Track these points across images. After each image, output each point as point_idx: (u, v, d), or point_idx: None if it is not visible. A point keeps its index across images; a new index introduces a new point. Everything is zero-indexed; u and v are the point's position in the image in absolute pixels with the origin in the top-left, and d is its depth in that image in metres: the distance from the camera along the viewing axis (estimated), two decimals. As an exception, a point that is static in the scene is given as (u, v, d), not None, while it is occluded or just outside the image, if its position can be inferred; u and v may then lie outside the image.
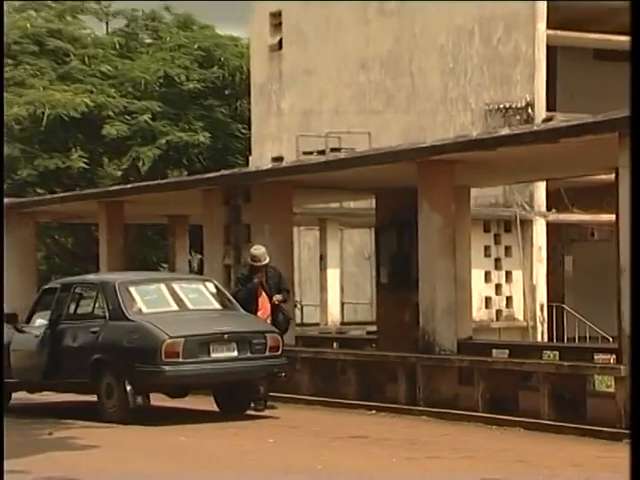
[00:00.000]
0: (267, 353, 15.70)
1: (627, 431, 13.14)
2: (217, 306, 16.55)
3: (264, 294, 16.43)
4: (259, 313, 16.36)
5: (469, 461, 11.70)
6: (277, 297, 16.44)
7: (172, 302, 16.20)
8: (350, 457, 12.24)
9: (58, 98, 38.94)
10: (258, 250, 16.75)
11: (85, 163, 38.77)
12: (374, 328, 22.42)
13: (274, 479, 11.04)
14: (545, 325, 29.43)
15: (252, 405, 15.94)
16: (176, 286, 16.70)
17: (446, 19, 32.84)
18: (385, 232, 21.11)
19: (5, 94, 39.80)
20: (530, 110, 30.16)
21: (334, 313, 28.63)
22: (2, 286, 19.31)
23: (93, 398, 15.91)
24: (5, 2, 42.66)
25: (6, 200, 27.55)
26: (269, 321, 16.37)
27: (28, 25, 42.86)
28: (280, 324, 16.37)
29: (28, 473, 11.35)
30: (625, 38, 31.64)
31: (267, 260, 16.59)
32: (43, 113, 38.50)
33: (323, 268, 30.35)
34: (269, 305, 16.48)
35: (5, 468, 11.64)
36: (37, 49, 42.01)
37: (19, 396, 17.66)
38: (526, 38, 30.74)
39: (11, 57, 41.46)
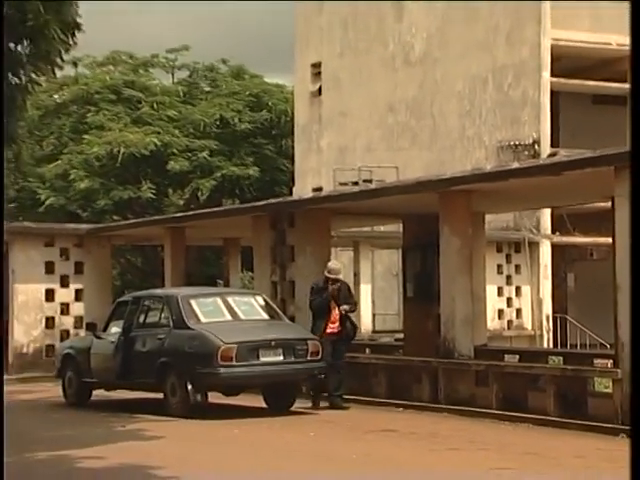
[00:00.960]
0: (308, 357, 15.72)
1: (623, 427, 13.17)
2: (265, 316, 16.63)
3: (335, 305, 16.12)
4: (331, 320, 16.07)
5: (484, 453, 11.72)
6: (344, 307, 16.10)
7: (226, 313, 16.26)
8: (380, 448, 12.27)
9: (131, 139, 39.27)
10: (336, 265, 17.07)
11: (153, 194, 38.96)
12: (401, 336, 22.37)
13: (316, 466, 11.07)
14: (550, 334, 29.29)
15: (329, 401, 15.97)
16: (230, 299, 16.77)
17: (463, 68, 32.84)
18: (411, 253, 21.07)
19: (87, 136, 40.21)
20: (536, 147, 30.08)
21: (366, 323, 28.54)
22: (2, 290, 18.92)
23: (159, 396, 15.96)
24: (87, 57, 43.18)
25: (86, 225, 27.88)
26: (338, 328, 16.13)
27: (107, 78, 43.32)
28: (349, 331, 16.26)
29: (104, 459, 11.49)
30: (619, 85, 31.69)
31: (341, 275, 16.68)
32: (119, 151, 38.80)
33: (357, 284, 30.32)
34: (339, 314, 16.19)
35: (82, 455, 11.82)
36: (115, 98, 42.33)
37: (98, 393, 17.78)
38: (533, 84, 30.70)
39: (93, 104, 41.89)
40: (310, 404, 16.27)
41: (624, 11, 33.36)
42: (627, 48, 29.50)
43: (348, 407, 15.73)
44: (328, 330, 15.90)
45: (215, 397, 16.00)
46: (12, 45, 8.58)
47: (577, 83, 31.16)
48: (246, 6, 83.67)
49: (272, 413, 15.63)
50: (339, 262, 17.20)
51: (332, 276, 16.27)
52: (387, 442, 12.69)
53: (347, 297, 16.47)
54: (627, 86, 31.62)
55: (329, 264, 16.96)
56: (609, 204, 14.06)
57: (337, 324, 16.11)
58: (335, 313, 16.07)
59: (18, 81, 9.42)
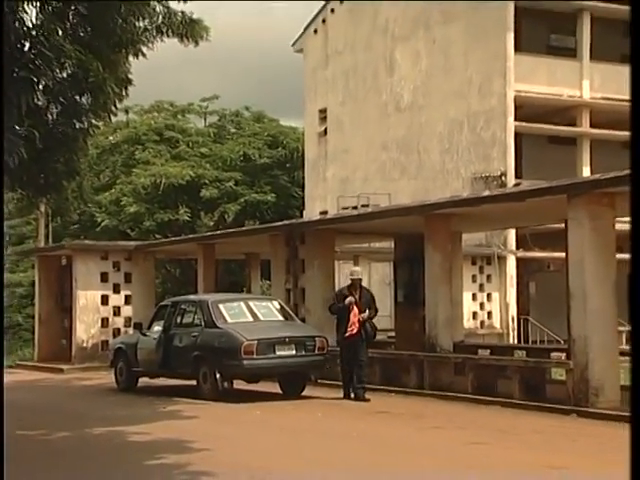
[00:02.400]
0: (316, 352, 15.72)
1: (574, 407, 13.16)
2: (280, 318, 16.58)
3: (356, 309, 14.96)
4: (350, 324, 14.91)
5: (462, 430, 11.75)
6: (363, 315, 14.96)
7: (248, 315, 16.25)
8: (376, 426, 12.30)
9: (171, 171, 39.34)
10: (357, 268, 16.56)
11: (188, 216, 38.97)
12: (393, 334, 22.32)
13: (323, 441, 11.11)
14: (515, 332, 29.19)
15: (353, 393, 15.06)
16: (251, 303, 16.79)
17: (443, 114, 32.89)
18: (401, 265, 21.04)
19: (135, 169, 40.37)
20: (504, 178, 30.04)
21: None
22: (2, 295, 18.80)
23: (193, 383, 15.97)
24: (136, 105, 43.39)
25: (134, 243, 27.88)
26: (357, 331, 14.94)
27: (152, 122, 43.50)
28: (369, 334, 15.21)
29: (149, 434, 11.58)
30: (570, 128, 31.73)
31: (361, 277, 15.72)
32: (161, 182, 38.88)
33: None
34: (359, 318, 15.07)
35: (131, 431, 11.88)
36: (158, 138, 42.41)
37: (143, 381, 17.80)
38: (500, 127, 30.70)
39: (140, 144, 41.98)
40: (343, 393, 15.75)
41: (574, 68, 33.60)
42: (576, 98, 29.49)
43: (369, 399, 14.75)
44: (347, 333, 14.94)
45: (239, 384, 16.03)
46: (77, 97, 8.64)
47: (536, 126, 31.20)
48: (266, 62, 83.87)
49: (286, 397, 15.63)
50: (359, 268, 16.50)
51: (354, 277, 15.43)
52: (381, 422, 12.71)
53: (369, 304, 15.29)
54: (575, 129, 31.81)
55: (352, 268, 16.55)
56: (563, 225, 14.06)
57: (356, 327, 15.00)
58: (354, 317, 14.99)
59: (81, 126, 9.46)
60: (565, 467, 8.99)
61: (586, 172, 30.24)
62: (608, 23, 32.68)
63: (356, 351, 14.97)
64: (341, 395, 15.44)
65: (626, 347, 23.97)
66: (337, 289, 16.52)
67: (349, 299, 14.93)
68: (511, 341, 27.96)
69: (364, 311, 15.02)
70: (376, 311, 15.48)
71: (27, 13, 7.90)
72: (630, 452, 3.82)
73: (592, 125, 32.08)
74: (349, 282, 15.52)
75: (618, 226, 14.10)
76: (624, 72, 32.63)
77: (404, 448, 10.44)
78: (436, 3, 33.23)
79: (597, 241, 13.39)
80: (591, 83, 32.02)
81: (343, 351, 15.25)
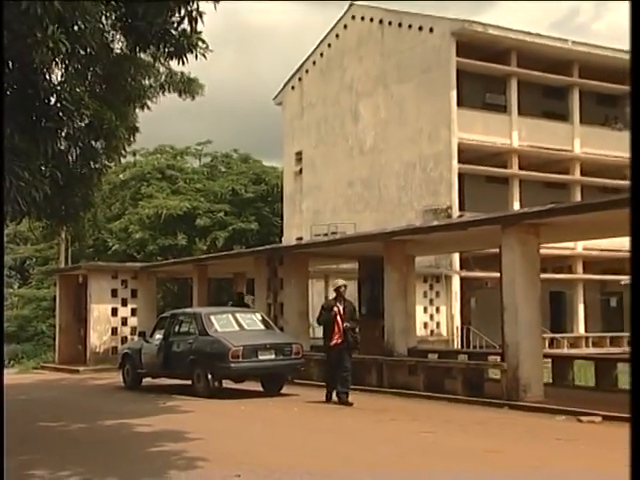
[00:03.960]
0: (292, 356, 15.69)
1: (507, 402, 13.18)
2: (262, 327, 16.48)
3: (340, 321, 13.91)
4: (335, 333, 13.91)
5: (415, 422, 11.74)
6: (346, 324, 13.89)
7: (235, 325, 16.13)
8: (344, 419, 12.25)
9: (171, 204, 39.29)
10: (341, 281, 14.65)
11: (185, 241, 38.92)
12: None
13: (298, 432, 11.07)
14: (459, 339, 29.32)
15: (337, 397, 13.93)
16: (238, 315, 16.67)
17: (399, 156, 33.12)
18: (364, 283, 21.05)
19: (141, 202, 40.30)
20: (450, 210, 30.28)
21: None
22: (2, 296, 18.64)
23: (188, 382, 15.89)
24: (142, 148, 43.35)
25: (139, 264, 27.78)
26: (341, 340, 13.88)
27: (156, 162, 43.49)
28: (350, 342, 13.94)
29: (151, 426, 11.47)
30: (502, 170, 32.03)
31: (344, 288, 14.28)
32: (162, 213, 38.85)
33: (326, 304, 30.31)
34: (342, 328, 13.99)
35: (136, 423, 11.79)
36: (160, 176, 42.38)
37: (147, 381, 17.71)
38: (446, 168, 30.96)
39: (145, 181, 41.97)
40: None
41: (505, 121, 33.81)
42: (507, 146, 29.51)
43: (352, 403, 13.68)
44: (332, 342, 13.93)
45: (228, 383, 15.96)
46: (93, 142, 8.65)
47: (475, 168, 31.49)
48: (251, 113, 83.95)
49: (267, 395, 15.57)
50: (343, 281, 14.75)
51: (340, 289, 14.21)
52: (348, 415, 12.66)
53: (352, 315, 14.22)
54: (507, 171, 32.11)
55: (336, 280, 15.10)
56: (498, 250, 14.17)
57: (341, 337, 13.95)
58: (339, 327, 13.99)
59: (96, 166, 9.45)
60: (500, 451, 9.02)
61: (516, 206, 30.58)
62: (532, 86, 33.26)
63: (341, 358, 13.96)
64: (315, 393, 15.34)
65: (549, 351, 24.24)
66: (323, 302, 15.40)
67: (334, 310, 14.04)
68: (456, 346, 28.07)
69: (347, 321, 14.04)
70: (357, 322, 14.45)
71: (54, 73, 7.95)
72: (630, 452, 3.54)
73: (520, 168, 32.47)
74: (334, 294, 14.43)
75: (542, 251, 14.26)
76: (545, 125, 33.22)
77: (367, 437, 10.44)
78: (392, 67, 33.58)
79: (525, 264, 13.52)
80: (519, 133, 32.44)
81: (329, 358, 14.22)
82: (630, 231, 3.79)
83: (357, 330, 14.34)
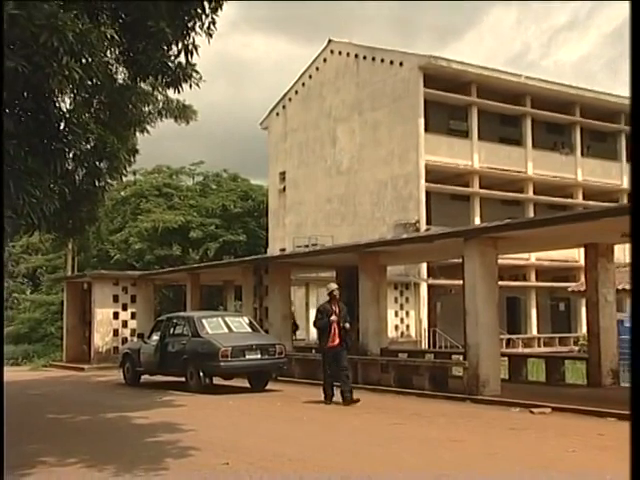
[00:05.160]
0: (276, 356, 15.64)
1: (468, 396, 13.21)
2: (249, 330, 16.41)
3: (337, 324, 13.00)
4: (332, 336, 13.00)
5: (386, 414, 11.73)
6: (346, 325, 13.01)
7: (224, 327, 16.08)
8: (322, 412, 12.23)
9: (167, 218, 39.18)
10: (334, 284, 13.63)
11: (179, 252, 38.79)
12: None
13: (281, 424, 11.06)
14: (426, 340, 29.42)
15: (342, 398, 12.93)
16: (227, 319, 16.65)
17: (373, 176, 33.28)
18: (341, 290, 21.06)
19: (140, 216, 40.16)
20: (418, 225, 30.45)
21: (313, 334, 28.23)
22: (2, 296, 18.53)
23: (182, 379, 15.86)
24: (141, 168, 43.26)
25: (138, 272, 27.59)
26: (338, 342, 13.00)
27: (153, 181, 43.41)
28: (347, 343, 13.13)
29: (148, 418, 11.44)
30: (464, 189, 32.22)
31: (337, 291, 13.31)
32: (159, 226, 38.73)
33: (307, 310, 30.30)
34: (339, 331, 13.04)
35: (135, 415, 11.73)
36: (157, 193, 42.32)
37: (145, 378, 17.61)
38: (415, 187, 31.15)
39: (144, 198, 41.84)
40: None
41: (467, 145, 34.02)
42: (468, 167, 29.66)
43: (358, 399, 12.90)
44: (330, 344, 13.03)
45: (217, 380, 15.89)
46: (97, 163, 8.64)
47: (440, 187, 31.72)
48: (240, 136, 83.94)
49: (253, 391, 15.53)
50: (336, 285, 13.63)
51: (333, 292, 13.26)
52: (325, 409, 12.62)
53: (346, 317, 13.23)
54: (469, 189, 32.33)
55: (330, 284, 13.78)
56: (461, 260, 14.24)
57: (337, 339, 13.02)
58: (335, 330, 13.00)
59: (100, 184, 9.44)
60: (462, 439, 9.07)
61: (477, 221, 30.78)
62: (490, 114, 33.62)
63: (339, 359, 13.05)
64: (297, 389, 15.30)
65: (505, 350, 24.37)
66: (319, 305, 14.07)
67: (333, 317, 13.05)
68: (423, 347, 28.14)
69: (343, 323, 13.08)
70: (350, 323, 13.42)
71: (63, 101, 7.99)
72: (630, 452, 3.33)
73: (481, 187, 32.72)
74: (328, 298, 13.40)
75: (500, 261, 14.36)
76: (502, 149, 33.55)
77: (344, 428, 10.44)
78: (366, 96, 33.75)
79: (485, 272, 13.58)
80: (479, 156, 32.72)
81: (327, 360, 13.25)
82: (630, 231, 3.61)
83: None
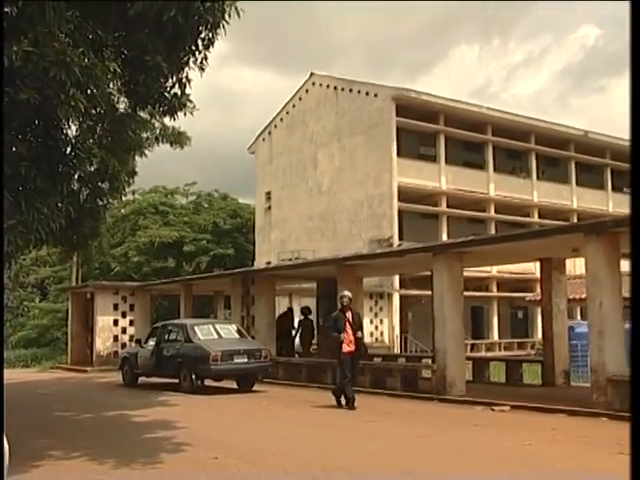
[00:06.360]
0: (262, 360, 15.57)
1: (437, 396, 13.23)
2: (237, 336, 16.34)
3: (350, 329, 12.05)
4: (347, 341, 12.02)
5: (362, 413, 11.67)
6: (358, 333, 12.04)
7: (214, 333, 15.98)
8: (304, 411, 12.18)
9: (163, 233, 39.01)
10: (347, 293, 12.48)
11: (174, 265, 38.61)
12: (316, 347, 22.20)
13: (266, 422, 11.03)
14: (398, 345, 29.45)
15: (343, 403, 12.21)
16: (217, 326, 16.56)
17: (350, 196, 33.35)
18: (321, 300, 21.03)
19: (139, 232, 39.89)
20: (391, 240, 30.54)
21: (296, 341, 28.25)
22: (2, 297, 18.31)
23: (176, 381, 15.73)
24: (140, 188, 43.05)
25: (137, 283, 27.31)
26: (354, 348, 12.05)
27: (151, 200, 43.17)
28: (361, 350, 12.15)
29: (145, 416, 11.37)
30: (434, 208, 32.41)
31: (350, 300, 12.26)
32: (156, 241, 38.58)
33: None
34: (354, 337, 12.04)
35: (133, 414, 11.65)
36: (154, 211, 42.11)
37: (142, 379, 17.49)
38: (389, 206, 31.26)
39: (142, 215, 41.63)
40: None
41: (435, 169, 34.12)
42: (437, 189, 29.70)
43: (355, 407, 12.01)
44: (346, 350, 12.02)
45: (208, 382, 15.81)
46: (100, 184, 8.63)
47: (412, 206, 31.81)
48: (230, 160, 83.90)
49: (240, 391, 15.47)
50: (349, 293, 12.53)
51: (344, 300, 12.23)
52: (308, 409, 12.55)
53: (360, 324, 12.39)
54: (437, 209, 32.52)
55: (344, 292, 12.61)
56: (430, 273, 14.30)
57: (353, 345, 12.05)
58: (350, 336, 12.06)
59: (102, 203, 9.42)
60: (430, 435, 9.10)
61: (444, 237, 30.94)
62: (455, 141, 33.94)
63: (353, 366, 12.22)
64: (281, 390, 15.22)
65: (470, 354, 24.43)
66: (333, 314, 12.58)
67: (345, 316, 12.13)
68: (396, 351, 28.13)
69: (356, 330, 12.13)
70: (362, 331, 12.41)
71: (70, 128, 8.02)
72: (630, 452, 3.15)
73: (448, 206, 32.92)
74: (340, 306, 12.31)
75: (465, 274, 14.44)
76: (467, 172, 33.83)
77: (324, 425, 10.44)
78: (345, 123, 33.94)
79: (451, 284, 13.65)
80: (446, 179, 32.95)
81: (342, 365, 12.15)
82: (630, 231, 3.48)
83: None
